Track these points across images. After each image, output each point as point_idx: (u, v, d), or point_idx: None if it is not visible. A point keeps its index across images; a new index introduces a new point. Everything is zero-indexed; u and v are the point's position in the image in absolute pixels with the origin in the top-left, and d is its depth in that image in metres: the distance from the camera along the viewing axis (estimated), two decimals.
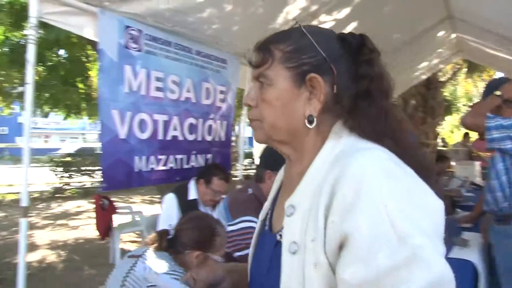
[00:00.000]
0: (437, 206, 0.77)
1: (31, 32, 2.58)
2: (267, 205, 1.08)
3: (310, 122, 0.91)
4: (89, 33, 2.87)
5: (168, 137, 3.37)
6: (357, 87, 0.91)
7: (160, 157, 3.32)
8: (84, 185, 14.29)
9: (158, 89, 3.25)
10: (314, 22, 4.14)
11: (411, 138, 0.93)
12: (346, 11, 4.19)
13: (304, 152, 0.93)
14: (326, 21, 4.22)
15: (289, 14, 3.85)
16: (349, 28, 4.52)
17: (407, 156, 0.84)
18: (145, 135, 3.18)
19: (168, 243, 1.87)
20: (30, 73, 2.57)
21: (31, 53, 2.58)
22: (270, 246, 0.94)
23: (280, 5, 3.75)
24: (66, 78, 8.87)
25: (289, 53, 0.92)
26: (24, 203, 2.59)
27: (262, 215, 1.07)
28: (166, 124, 3.35)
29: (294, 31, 0.95)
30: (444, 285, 0.68)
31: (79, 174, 14.14)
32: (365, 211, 0.70)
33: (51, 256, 6.35)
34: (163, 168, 3.37)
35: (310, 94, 0.91)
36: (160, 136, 3.30)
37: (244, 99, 0.99)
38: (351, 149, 0.83)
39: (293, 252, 0.81)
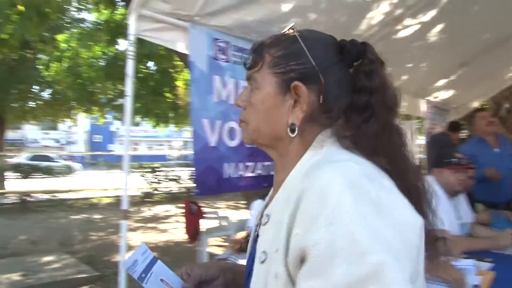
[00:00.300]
0: (413, 223, 0.72)
1: (130, 48, 2.79)
2: (260, 210, 1.07)
3: (292, 131, 0.88)
4: (181, 47, 3.05)
5: None
6: (354, 99, 0.87)
7: (248, 164, 3.42)
8: (171, 190, 14.91)
9: None
10: (398, 27, 4.07)
11: (411, 159, 0.88)
12: (432, 13, 4.07)
13: (288, 160, 0.90)
14: (411, 25, 4.13)
15: (372, 20, 3.83)
16: (435, 31, 4.39)
17: (400, 178, 0.80)
18: (234, 143, 3.29)
19: None
20: (130, 86, 2.77)
21: (130, 68, 2.78)
22: (254, 253, 0.93)
23: (364, 11, 3.73)
24: (155, 89, 9.35)
25: (278, 58, 0.90)
26: (124, 206, 2.75)
27: (256, 220, 1.07)
28: None
29: (289, 35, 0.92)
30: None
31: (167, 180, 14.78)
32: (327, 224, 0.67)
33: None
34: (251, 174, 3.46)
35: (295, 103, 0.87)
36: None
37: (235, 99, 0.99)
38: (326, 160, 0.80)
39: (262, 262, 0.81)
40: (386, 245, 0.65)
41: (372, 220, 0.67)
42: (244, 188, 3.56)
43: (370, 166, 0.79)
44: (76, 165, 23.53)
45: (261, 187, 3.57)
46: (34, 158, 22.54)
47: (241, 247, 1.93)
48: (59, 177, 13.40)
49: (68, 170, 14.53)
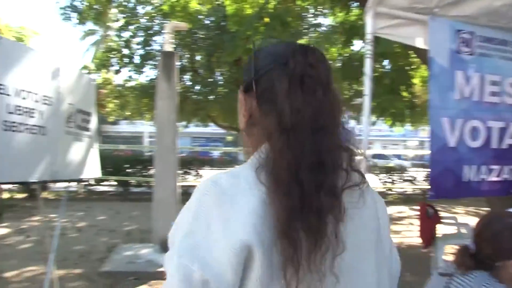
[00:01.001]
0: (232, 240, 0.79)
1: (367, 47, 2.79)
2: None
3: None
4: (419, 43, 2.91)
5: (504, 146, 3.08)
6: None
7: (492, 167, 3.06)
8: (405, 191, 14.48)
9: (493, 93, 3.01)
10: None
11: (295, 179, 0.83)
12: None
13: None
14: None
15: None
16: None
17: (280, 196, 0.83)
18: (476, 143, 2.99)
19: (475, 260, 1.64)
20: (368, 86, 2.77)
21: (368, 67, 2.78)
22: None
23: None
24: (391, 87, 9.18)
25: (243, 72, 1.04)
26: None
27: None
28: (502, 131, 3.06)
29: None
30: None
31: (401, 180, 14.41)
32: (175, 222, 0.89)
33: None
34: (496, 179, 3.09)
35: None
36: (494, 145, 3.04)
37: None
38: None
39: None
40: (187, 250, 0.81)
41: (197, 229, 0.83)
42: (487, 194, 3.22)
43: (243, 182, 0.86)
44: (407, 164, 24.94)
45: (507, 194, 3.15)
46: (373, 156, 25.13)
47: (465, 264, 1.65)
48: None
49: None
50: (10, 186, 11.37)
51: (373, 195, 1.03)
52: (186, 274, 0.79)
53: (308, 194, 0.82)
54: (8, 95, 2.90)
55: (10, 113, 2.92)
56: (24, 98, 3.05)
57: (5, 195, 11.62)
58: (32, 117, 3.15)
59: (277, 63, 0.93)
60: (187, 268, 0.79)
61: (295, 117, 0.86)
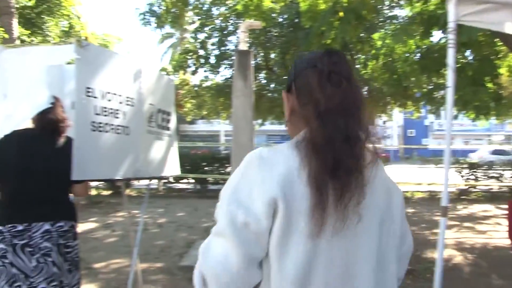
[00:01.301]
0: (265, 193, 1.06)
1: (450, 37, 2.66)
2: None
3: (286, 123, 1.29)
4: (509, 28, 2.72)
5: None
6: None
7: None
8: (491, 188, 13.65)
9: None
10: None
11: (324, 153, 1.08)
12: None
13: None
14: None
15: None
16: None
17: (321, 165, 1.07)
18: None
19: None
20: (451, 77, 2.64)
21: (450, 57, 2.65)
22: None
23: None
24: (474, 79, 8.70)
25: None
26: (444, 203, 2.65)
27: None
28: None
29: None
30: (217, 233, 1.12)
31: (486, 177, 13.58)
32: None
33: (457, 258, 6.35)
34: None
35: None
36: None
37: None
38: None
39: None
40: (234, 200, 1.10)
41: (239, 182, 1.13)
42: None
43: (279, 155, 1.13)
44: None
45: None
46: (494, 152, 24.68)
47: None
48: None
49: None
50: (97, 183, 12.10)
51: (386, 179, 1.26)
52: (232, 218, 1.06)
53: (341, 158, 1.06)
54: (95, 97, 3.08)
55: (97, 114, 3.10)
56: (109, 100, 3.22)
57: (93, 192, 12.38)
58: (117, 117, 3.32)
59: (309, 65, 1.20)
60: (233, 213, 1.07)
61: (327, 104, 1.10)
